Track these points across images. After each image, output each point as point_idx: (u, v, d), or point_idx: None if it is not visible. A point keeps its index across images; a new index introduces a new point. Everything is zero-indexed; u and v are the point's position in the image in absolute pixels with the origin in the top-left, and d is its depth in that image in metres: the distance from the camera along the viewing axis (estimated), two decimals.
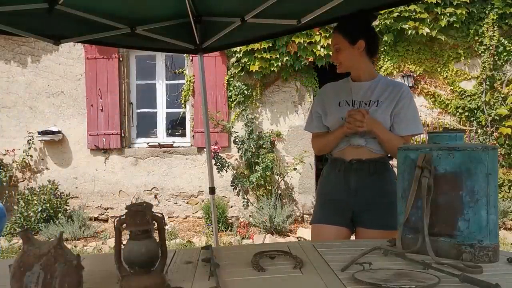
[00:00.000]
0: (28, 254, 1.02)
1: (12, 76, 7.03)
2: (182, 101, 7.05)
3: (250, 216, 6.63)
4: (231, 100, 6.86)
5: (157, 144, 7.03)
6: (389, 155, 2.14)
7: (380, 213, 2.05)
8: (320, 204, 2.23)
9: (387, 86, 2.11)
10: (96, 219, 7.03)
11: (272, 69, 6.60)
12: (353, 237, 2.20)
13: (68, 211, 6.74)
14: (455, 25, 6.51)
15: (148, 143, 7.04)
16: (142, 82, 7.22)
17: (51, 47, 6.72)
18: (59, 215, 6.49)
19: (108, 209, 7.10)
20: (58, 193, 6.78)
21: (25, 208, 6.45)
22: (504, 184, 6.45)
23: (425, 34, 6.46)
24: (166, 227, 6.14)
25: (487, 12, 6.55)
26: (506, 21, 6.51)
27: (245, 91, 6.79)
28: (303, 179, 6.85)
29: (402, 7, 6.42)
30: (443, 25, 6.48)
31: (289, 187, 6.87)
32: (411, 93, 2.14)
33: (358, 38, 2.07)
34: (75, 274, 1.04)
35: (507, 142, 6.56)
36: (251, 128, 6.73)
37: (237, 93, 6.81)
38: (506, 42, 6.58)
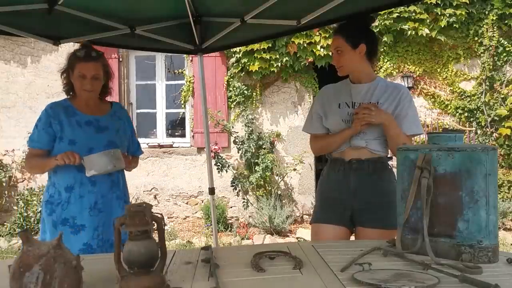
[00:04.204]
0: (28, 254, 1.02)
1: (11, 76, 7.03)
2: (182, 102, 7.05)
3: (249, 216, 6.63)
4: (231, 100, 6.86)
5: (156, 144, 7.03)
6: (388, 155, 2.15)
7: (379, 213, 2.05)
8: (320, 204, 2.23)
9: (387, 88, 2.12)
10: None
11: (271, 69, 6.60)
12: (352, 237, 2.20)
13: None
14: (454, 25, 6.51)
15: (147, 144, 7.04)
16: (142, 83, 7.22)
17: (51, 47, 6.71)
18: None
19: None
20: None
21: (24, 208, 6.44)
22: (504, 184, 6.45)
23: (424, 34, 6.46)
24: (166, 227, 6.15)
25: (486, 12, 6.55)
26: (506, 21, 6.51)
27: (245, 92, 6.80)
28: (303, 180, 6.85)
29: (402, 7, 6.42)
30: (442, 26, 6.48)
31: (289, 188, 6.87)
32: (410, 94, 2.16)
33: (359, 42, 2.08)
34: (75, 275, 1.04)
35: (506, 142, 6.56)
36: (251, 129, 6.73)
37: (236, 93, 6.81)
38: (505, 42, 6.58)
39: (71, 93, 2.33)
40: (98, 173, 2.12)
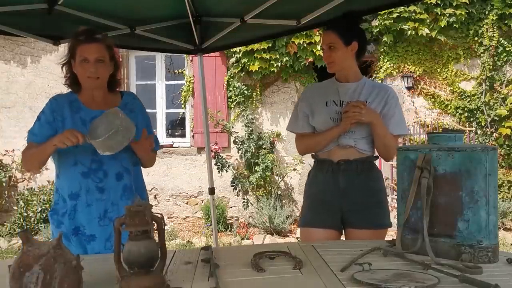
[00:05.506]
0: (28, 254, 1.02)
1: (11, 76, 7.03)
2: (182, 102, 7.05)
3: (249, 216, 6.63)
4: (231, 100, 6.86)
5: None
6: (375, 155, 2.14)
7: (369, 213, 2.06)
8: (308, 206, 2.19)
9: (374, 88, 2.13)
10: None
11: (271, 69, 6.60)
12: (343, 238, 2.19)
13: None
14: (454, 25, 6.51)
15: None
16: (142, 83, 7.22)
17: (51, 47, 6.71)
18: None
19: None
20: None
21: (24, 208, 6.44)
22: (504, 184, 6.45)
23: (424, 34, 6.46)
24: (166, 227, 6.14)
25: (486, 12, 6.55)
26: (506, 21, 6.52)
27: (245, 92, 6.80)
28: (303, 180, 6.82)
29: (402, 7, 6.42)
30: (442, 26, 6.49)
31: (289, 188, 6.87)
32: (396, 95, 2.16)
33: (352, 39, 2.07)
34: (75, 275, 1.04)
35: (506, 142, 6.56)
36: (251, 129, 6.73)
37: (237, 93, 6.81)
38: (505, 42, 6.59)
39: (75, 87, 2.04)
40: (113, 153, 1.84)
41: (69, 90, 2.08)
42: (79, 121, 1.96)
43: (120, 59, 6.84)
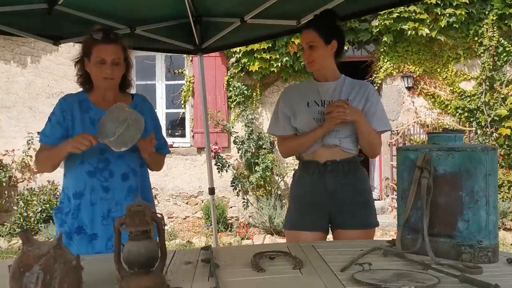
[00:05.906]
0: (28, 254, 1.02)
1: (11, 76, 7.03)
2: (182, 102, 7.05)
3: (249, 216, 6.63)
4: (231, 100, 6.87)
5: None
6: (359, 154, 2.14)
7: (358, 213, 2.05)
8: (295, 208, 2.17)
9: (354, 85, 2.11)
10: None
11: (272, 69, 6.61)
12: (329, 239, 2.18)
13: None
14: (454, 25, 6.52)
15: None
16: (142, 83, 7.22)
17: (51, 47, 6.70)
18: None
19: None
20: (58, 193, 6.78)
21: (24, 208, 6.44)
22: (504, 184, 6.45)
23: (424, 34, 6.46)
24: (166, 227, 6.14)
25: (486, 12, 6.55)
26: (506, 21, 6.52)
27: (245, 92, 6.80)
28: None
29: (402, 7, 6.42)
30: (442, 26, 6.49)
31: (289, 188, 6.85)
32: (376, 91, 2.15)
33: (332, 38, 2.06)
34: (75, 275, 1.04)
35: (506, 142, 6.56)
36: (251, 129, 6.73)
37: (237, 93, 6.81)
38: (505, 42, 6.59)
39: (87, 86, 2.02)
40: (129, 147, 1.83)
41: (79, 89, 2.08)
42: (88, 121, 1.97)
43: None
